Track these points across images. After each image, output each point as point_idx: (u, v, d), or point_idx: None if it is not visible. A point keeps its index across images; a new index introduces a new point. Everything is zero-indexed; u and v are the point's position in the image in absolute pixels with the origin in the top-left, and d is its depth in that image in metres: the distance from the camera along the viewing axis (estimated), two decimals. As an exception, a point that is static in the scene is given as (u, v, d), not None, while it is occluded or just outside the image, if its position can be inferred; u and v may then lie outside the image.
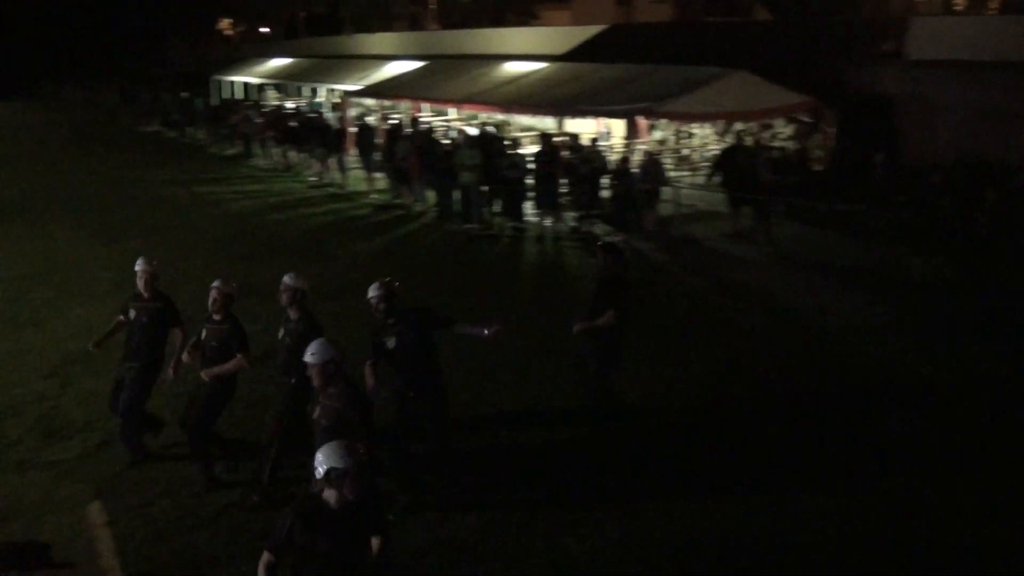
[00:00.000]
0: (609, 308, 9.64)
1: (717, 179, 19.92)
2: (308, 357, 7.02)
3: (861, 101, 22.87)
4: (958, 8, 30.34)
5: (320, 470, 5.29)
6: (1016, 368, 11.54)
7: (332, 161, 25.79)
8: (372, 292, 8.40)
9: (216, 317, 8.64)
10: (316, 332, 8.12)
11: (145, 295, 9.19)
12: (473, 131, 23.70)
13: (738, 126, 25.51)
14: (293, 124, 28.73)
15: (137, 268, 9.25)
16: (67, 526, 8.13)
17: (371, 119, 28.72)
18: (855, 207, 17.50)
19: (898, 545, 7.64)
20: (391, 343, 8.34)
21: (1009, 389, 10.85)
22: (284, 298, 8.60)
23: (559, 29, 36.44)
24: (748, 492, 8.48)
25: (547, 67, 26.72)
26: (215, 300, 8.60)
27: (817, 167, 22.00)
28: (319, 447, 5.52)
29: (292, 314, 8.59)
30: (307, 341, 7.42)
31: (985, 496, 8.33)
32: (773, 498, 8.38)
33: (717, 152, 26.16)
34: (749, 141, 21.42)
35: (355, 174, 25.36)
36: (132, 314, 9.18)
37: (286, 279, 8.64)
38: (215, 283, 8.70)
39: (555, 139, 20.87)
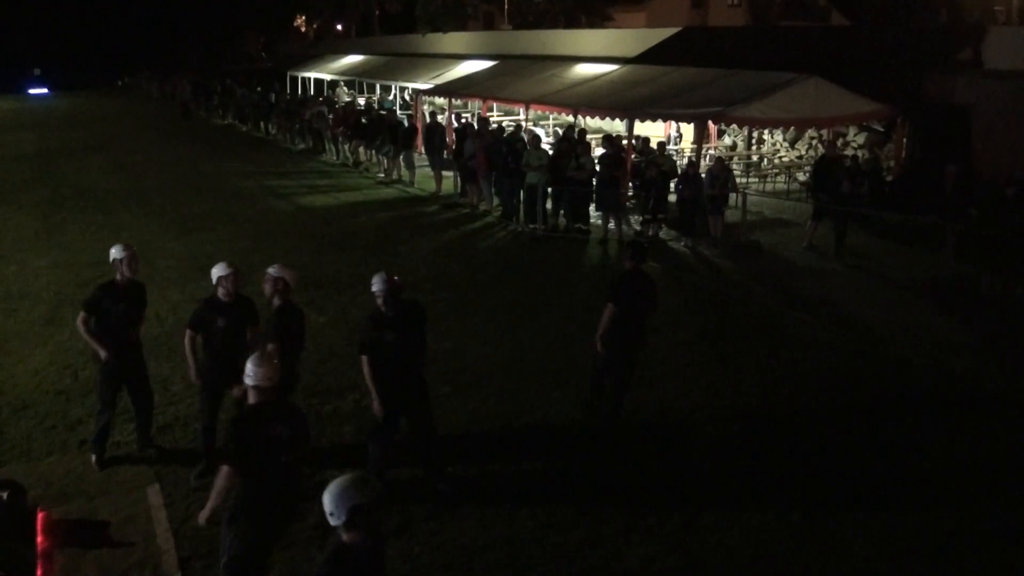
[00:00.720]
0: (607, 301, 9.68)
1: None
2: None
3: (935, 110, 22.44)
4: (1040, 17, 29.56)
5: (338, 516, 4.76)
6: None
7: (401, 158, 26.01)
8: (378, 285, 8.33)
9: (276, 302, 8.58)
10: (282, 322, 8.40)
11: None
12: (540, 132, 23.75)
13: (811, 133, 25.27)
14: (364, 121, 29.02)
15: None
16: (125, 507, 8.32)
17: (441, 117, 28.93)
18: (926, 219, 17.19)
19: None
20: (390, 337, 8.30)
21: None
22: (267, 288, 8.57)
23: (632, 31, 36.29)
24: (795, 505, 8.39)
25: (618, 69, 26.66)
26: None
27: (888, 177, 21.66)
28: None
29: (275, 303, 8.57)
30: (274, 331, 7.96)
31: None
32: (824, 512, 8.28)
33: (794, 160, 26.02)
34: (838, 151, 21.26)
35: (423, 172, 25.54)
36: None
37: (270, 270, 8.63)
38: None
39: (623, 141, 20.80)
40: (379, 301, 8.35)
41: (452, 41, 44.03)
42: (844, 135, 24.84)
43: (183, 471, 8.93)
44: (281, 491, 6.35)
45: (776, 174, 25.91)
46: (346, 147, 29.79)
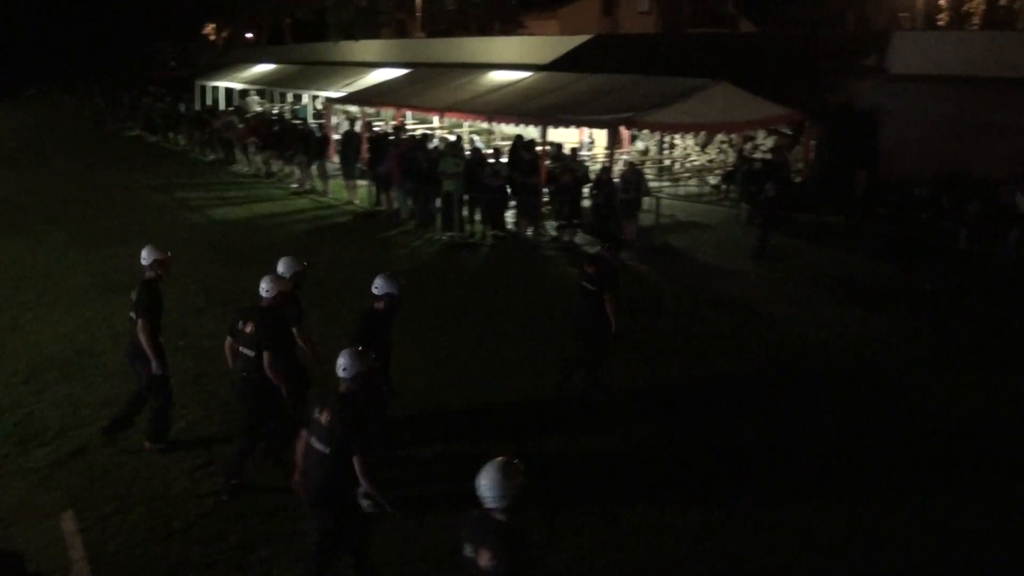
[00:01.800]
0: (607, 291, 10.31)
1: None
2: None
3: (843, 114, 23.04)
4: (941, 23, 30.52)
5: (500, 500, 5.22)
6: (998, 375, 11.79)
7: (314, 168, 25.76)
8: (389, 288, 8.72)
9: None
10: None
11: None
12: (454, 139, 23.77)
13: (720, 137, 25.73)
14: (275, 130, 28.70)
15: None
16: (40, 535, 8.04)
17: (354, 126, 28.76)
18: (837, 219, 17.66)
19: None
20: (388, 335, 8.79)
21: (986, 395, 11.05)
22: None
23: (545, 38, 36.57)
24: (720, 497, 8.55)
25: (531, 76, 26.81)
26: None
27: (797, 179, 22.16)
28: None
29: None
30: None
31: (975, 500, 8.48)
32: (744, 503, 8.46)
33: (705, 163, 26.43)
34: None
35: (337, 181, 25.34)
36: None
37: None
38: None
39: (537, 148, 20.92)
40: (390, 303, 8.76)
41: (365, 49, 43.83)
42: (753, 139, 25.33)
43: (99, 495, 8.72)
44: None
45: (688, 178, 26.31)
46: (258, 157, 29.39)
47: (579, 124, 22.67)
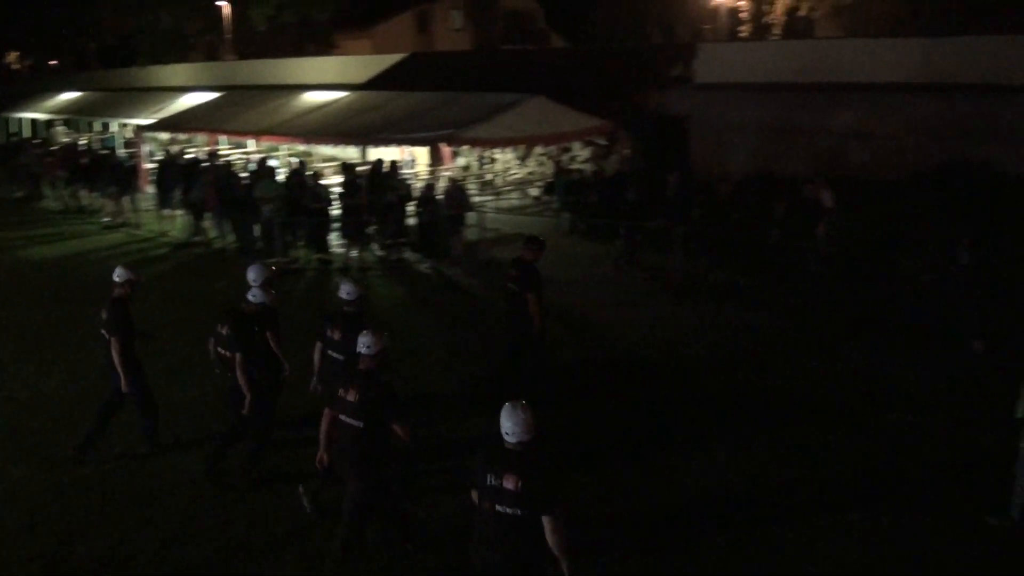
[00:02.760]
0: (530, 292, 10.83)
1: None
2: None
3: (654, 123, 23.77)
4: (743, 34, 31.89)
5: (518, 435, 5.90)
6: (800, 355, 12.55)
7: (126, 200, 24.77)
8: (353, 293, 9.45)
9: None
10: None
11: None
12: (273, 163, 23.34)
13: (539, 150, 26.11)
14: (84, 162, 27.50)
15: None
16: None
17: (167, 154, 27.84)
18: (654, 223, 18.12)
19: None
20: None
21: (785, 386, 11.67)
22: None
23: (359, 58, 36.31)
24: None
25: (348, 96, 26.60)
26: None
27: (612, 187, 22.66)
28: None
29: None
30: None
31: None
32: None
33: (525, 176, 26.74)
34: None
35: (151, 212, 24.42)
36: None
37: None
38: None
39: (358, 168, 20.76)
40: (351, 305, 9.41)
41: (174, 73, 42.50)
42: (570, 150, 25.82)
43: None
44: None
45: (510, 191, 26.58)
46: (66, 192, 28.04)
47: (399, 143, 22.61)
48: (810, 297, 15.56)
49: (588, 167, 24.45)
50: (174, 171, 23.84)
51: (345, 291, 9.47)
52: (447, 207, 18.99)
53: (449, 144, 22.58)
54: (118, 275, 9.98)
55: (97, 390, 10.85)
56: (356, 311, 9.36)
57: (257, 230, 19.94)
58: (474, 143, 22.34)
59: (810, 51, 23.96)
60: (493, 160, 28.08)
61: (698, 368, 12.72)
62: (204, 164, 23.01)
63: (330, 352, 9.32)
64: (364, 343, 7.46)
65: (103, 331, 9.73)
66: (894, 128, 21.07)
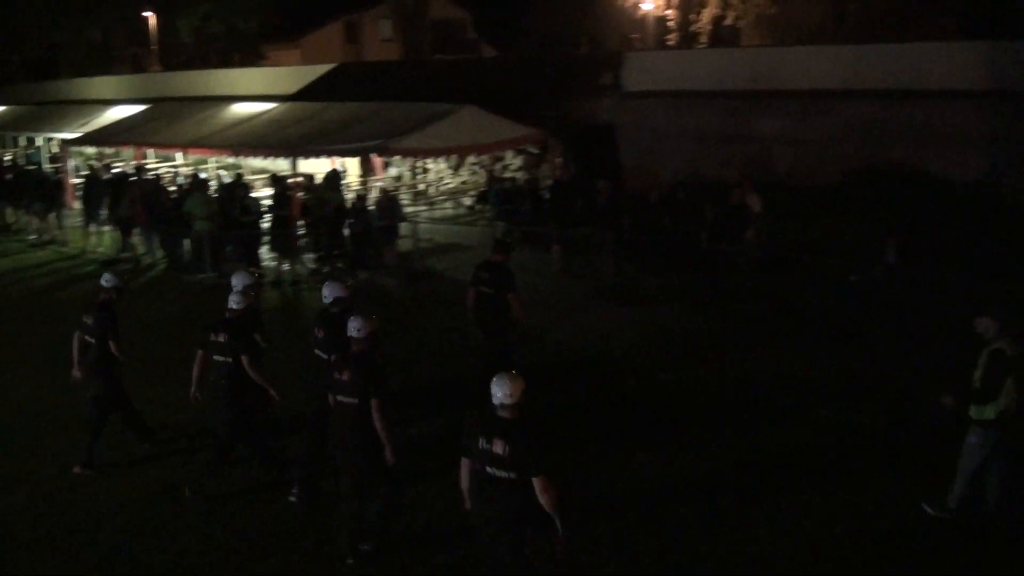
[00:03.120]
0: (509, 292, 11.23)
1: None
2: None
3: (584, 131, 23.94)
4: (670, 43, 32.25)
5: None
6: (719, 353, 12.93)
7: (52, 217, 24.23)
8: (338, 292, 9.60)
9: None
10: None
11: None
12: (203, 176, 23.03)
13: (471, 159, 26.15)
14: (8, 178, 26.86)
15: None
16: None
17: (92, 169, 27.31)
18: (585, 230, 18.23)
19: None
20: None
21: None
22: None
23: (288, 69, 36.11)
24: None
25: (277, 107, 26.36)
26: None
27: (547, 195, 22.75)
28: None
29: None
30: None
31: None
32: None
33: (459, 185, 26.74)
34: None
35: (78, 229, 23.88)
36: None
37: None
38: None
39: (289, 180, 20.58)
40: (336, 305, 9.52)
41: (101, 86, 41.77)
42: (502, 159, 25.88)
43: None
44: None
45: (443, 201, 26.57)
46: (-11, 209, 27.34)
47: (330, 154, 22.45)
48: (740, 299, 15.79)
49: (521, 175, 24.55)
50: (101, 186, 23.36)
51: (325, 293, 9.70)
52: (380, 218, 18.89)
53: (380, 155, 22.46)
54: (106, 280, 10.49)
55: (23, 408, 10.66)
56: (340, 311, 9.38)
57: (187, 245, 19.63)
58: (406, 153, 22.28)
59: (737, 59, 24.35)
60: (426, 170, 28.05)
61: (628, 369, 12.99)
62: (131, 178, 22.58)
63: (316, 351, 9.47)
64: (354, 327, 8.01)
65: (86, 336, 10.10)
66: (820, 133, 21.50)
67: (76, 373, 10.36)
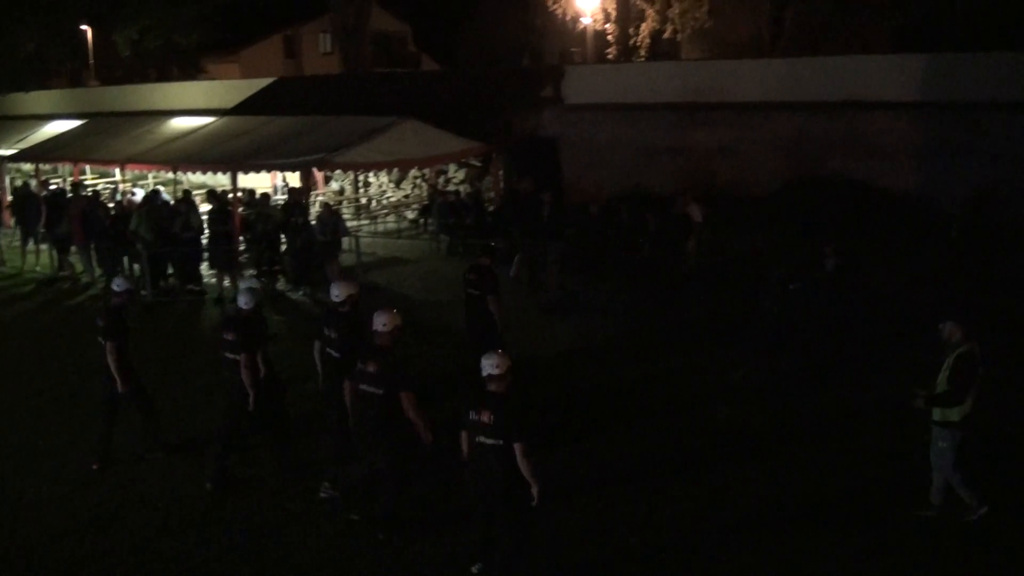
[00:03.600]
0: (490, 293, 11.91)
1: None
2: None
3: (527, 143, 24.05)
4: (610, 56, 32.48)
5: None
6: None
7: (-14, 235, 23.67)
8: (350, 290, 10.10)
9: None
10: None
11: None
12: (141, 193, 22.71)
13: (414, 173, 26.12)
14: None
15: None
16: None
17: (28, 186, 26.81)
18: (528, 243, 18.29)
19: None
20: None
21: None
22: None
23: (226, 83, 35.80)
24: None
25: (216, 121, 26.12)
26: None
27: (490, 207, 22.85)
28: None
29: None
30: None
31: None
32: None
33: (401, 199, 26.68)
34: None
35: (14, 248, 23.33)
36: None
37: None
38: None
39: (229, 195, 20.37)
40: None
41: (36, 101, 41.04)
42: (445, 172, 25.89)
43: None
44: None
45: (386, 214, 26.51)
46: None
47: (270, 168, 22.33)
48: (681, 307, 15.95)
49: (464, 188, 24.59)
50: (37, 203, 22.86)
51: (334, 294, 10.03)
52: (320, 233, 18.74)
53: (321, 168, 22.42)
54: (116, 285, 11.00)
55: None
56: (350, 310, 9.86)
57: (126, 262, 19.31)
58: (347, 167, 22.23)
59: (676, 72, 24.62)
60: (368, 184, 27.98)
61: (563, 375, 13.31)
62: (69, 195, 22.16)
63: (328, 350, 9.77)
64: (380, 322, 8.57)
65: (99, 337, 10.36)
66: (759, 145, 21.81)
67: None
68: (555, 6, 32.87)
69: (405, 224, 25.32)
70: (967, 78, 19.87)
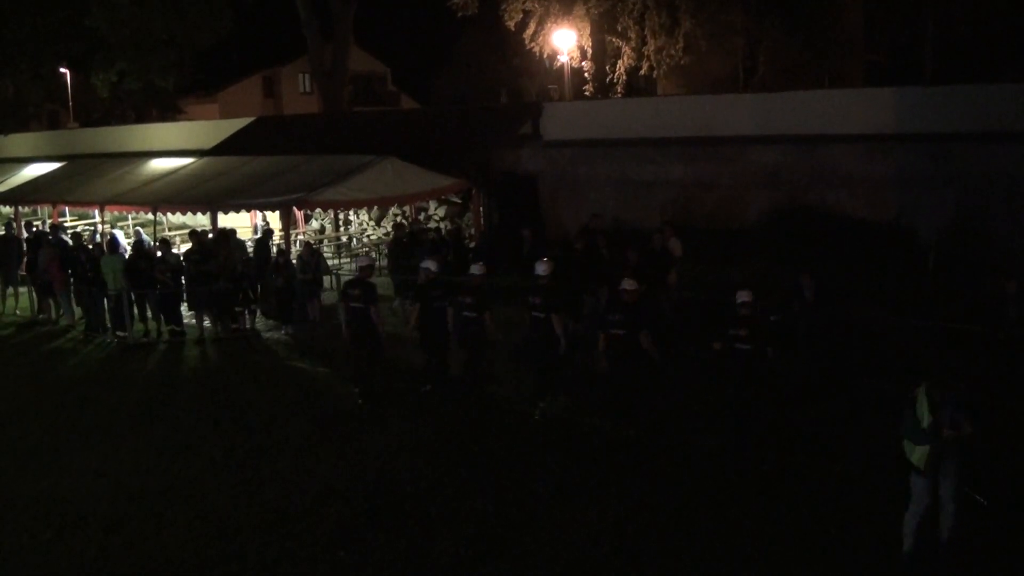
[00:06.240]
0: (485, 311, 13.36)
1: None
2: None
3: (506, 180, 24.19)
4: (587, 93, 32.74)
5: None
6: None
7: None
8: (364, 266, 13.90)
9: None
10: None
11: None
12: (120, 234, 22.69)
13: (394, 210, 26.19)
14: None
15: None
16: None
17: (7, 228, 26.72)
18: (509, 279, 18.31)
19: None
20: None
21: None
22: None
23: (206, 123, 35.86)
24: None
25: (196, 162, 26.17)
26: None
27: (471, 244, 22.90)
28: None
29: None
30: None
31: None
32: None
33: (381, 237, 26.72)
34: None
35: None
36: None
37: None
38: None
39: (208, 236, 20.34)
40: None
41: (15, 143, 41.02)
42: (426, 209, 25.98)
43: None
44: None
45: (367, 252, 26.50)
46: None
47: (250, 208, 22.34)
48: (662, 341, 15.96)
49: (445, 225, 24.66)
50: (16, 246, 22.77)
51: (359, 266, 14.22)
52: (301, 271, 18.73)
53: (301, 207, 22.45)
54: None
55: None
56: (365, 276, 13.88)
57: (106, 304, 19.20)
58: (326, 205, 22.29)
59: (653, 108, 24.82)
60: (348, 222, 28.03)
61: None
62: (48, 237, 22.08)
63: (352, 304, 13.64)
64: (541, 269, 13.22)
65: None
66: (735, 178, 21.99)
67: None
68: (532, 44, 33.11)
69: (385, 261, 25.30)
70: (936, 111, 20.13)
